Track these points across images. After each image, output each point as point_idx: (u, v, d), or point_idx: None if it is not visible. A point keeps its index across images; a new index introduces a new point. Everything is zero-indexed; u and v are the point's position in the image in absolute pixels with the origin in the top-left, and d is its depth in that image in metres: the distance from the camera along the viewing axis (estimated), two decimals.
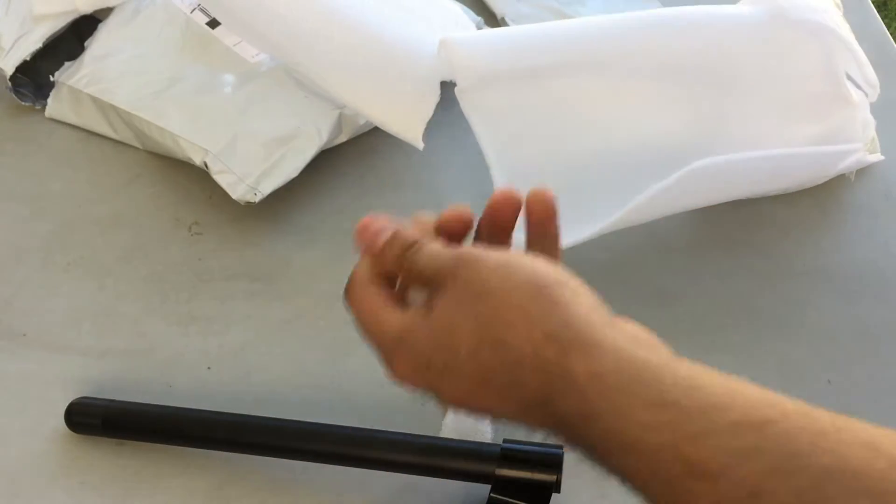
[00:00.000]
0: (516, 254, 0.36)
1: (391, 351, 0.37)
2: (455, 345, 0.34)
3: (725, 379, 0.30)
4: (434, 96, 0.64)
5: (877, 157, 0.68)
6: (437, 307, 0.35)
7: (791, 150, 0.64)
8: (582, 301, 0.34)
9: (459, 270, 0.35)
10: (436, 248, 0.37)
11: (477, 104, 0.62)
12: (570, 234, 0.56)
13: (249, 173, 0.63)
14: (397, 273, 0.39)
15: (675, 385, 0.30)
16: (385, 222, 0.40)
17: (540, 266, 0.35)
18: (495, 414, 0.35)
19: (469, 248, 0.37)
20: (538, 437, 0.50)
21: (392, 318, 0.37)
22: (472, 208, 0.41)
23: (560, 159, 0.63)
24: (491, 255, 0.35)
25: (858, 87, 0.66)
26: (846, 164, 0.66)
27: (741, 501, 0.27)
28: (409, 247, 0.38)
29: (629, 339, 0.33)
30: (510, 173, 0.61)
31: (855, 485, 0.26)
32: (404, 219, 0.41)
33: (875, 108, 0.67)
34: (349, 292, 0.40)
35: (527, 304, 0.33)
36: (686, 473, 0.29)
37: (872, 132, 0.68)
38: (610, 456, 0.32)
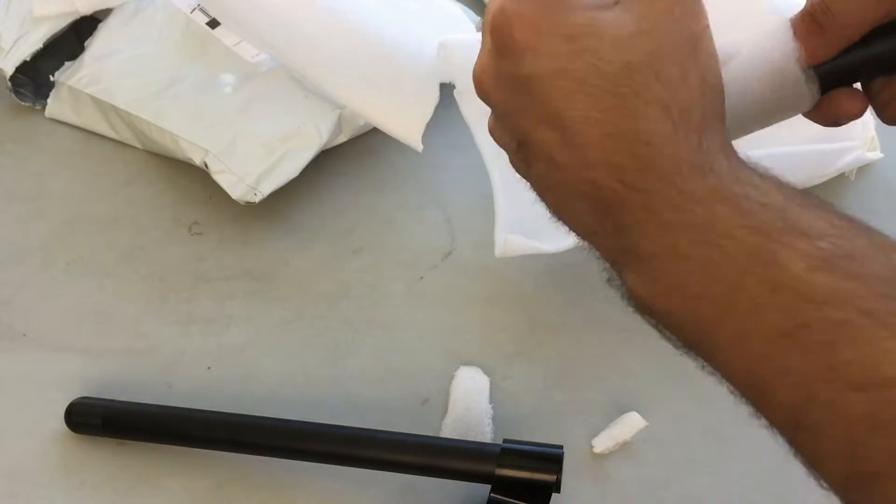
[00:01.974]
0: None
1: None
2: (623, 42, 0.30)
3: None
4: (433, 98, 0.64)
5: (876, 154, 0.68)
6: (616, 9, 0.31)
7: (789, 147, 0.64)
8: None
9: None
10: None
11: (476, 106, 0.62)
12: (570, 238, 0.56)
13: (249, 173, 0.63)
14: None
15: (787, 185, 0.30)
16: None
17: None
18: (583, 116, 0.31)
19: None
20: (539, 437, 0.51)
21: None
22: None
23: None
24: None
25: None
26: (845, 163, 0.66)
27: (835, 258, 0.27)
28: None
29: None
30: (508, 175, 0.61)
31: None
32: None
33: None
34: None
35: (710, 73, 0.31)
36: (788, 230, 0.28)
37: (872, 131, 0.68)
38: (697, 202, 0.29)
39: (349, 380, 0.59)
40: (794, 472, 0.54)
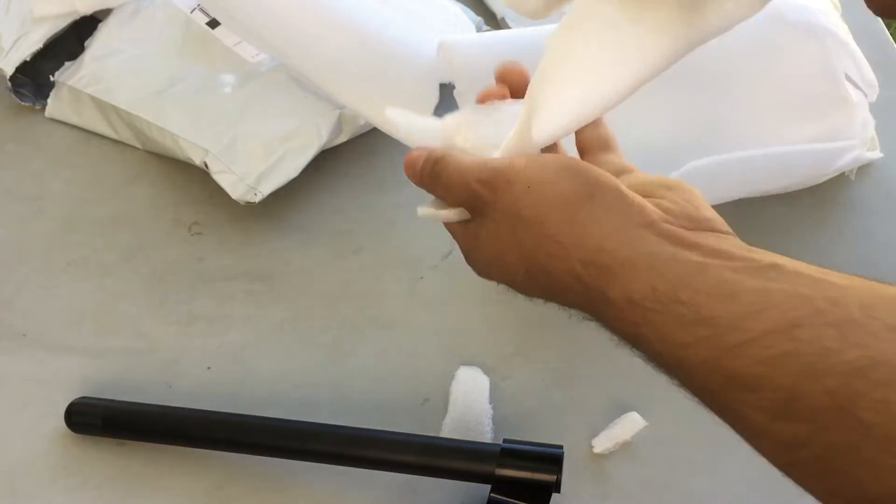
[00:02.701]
0: (549, 163, 0.36)
1: (466, 257, 0.41)
2: (509, 270, 0.37)
3: (761, 278, 0.31)
4: (433, 98, 0.64)
5: (876, 153, 0.68)
6: (481, 235, 0.38)
7: (788, 147, 0.64)
8: (613, 217, 0.34)
9: (495, 196, 0.37)
10: (460, 160, 0.39)
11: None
12: None
13: (249, 173, 0.63)
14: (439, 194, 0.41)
15: (709, 297, 0.31)
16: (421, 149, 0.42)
17: (568, 179, 0.35)
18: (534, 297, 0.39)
19: (496, 162, 0.38)
20: (539, 437, 0.51)
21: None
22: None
23: None
24: (519, 173, 0.36)
25: (857, 87, 0.66)
26: (845, 162, 0.66)
27: (782, 406, 0.28)
28: (437, 161, 0.40)
29: (662, 243, 0.33)
30: None
31: (880, 376, 0.27)
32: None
33: (875, 108, 0.67)
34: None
35: (561, 232, 0.34)
36: (728, 385, 0.30)
37: (872, 131, 0.68)
38: (661, 368, 0.33)
39: (349, 380, 0.59)
40: None
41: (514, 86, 0.42)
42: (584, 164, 0.36)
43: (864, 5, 0.37)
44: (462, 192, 0.38)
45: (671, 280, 0.32)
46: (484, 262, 0.40)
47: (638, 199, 0.35)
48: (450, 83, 0.64)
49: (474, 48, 0.63)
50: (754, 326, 0.29)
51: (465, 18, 0.75)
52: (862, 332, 0.28)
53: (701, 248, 0.33)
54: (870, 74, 0.66)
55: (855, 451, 0.27)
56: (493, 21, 0.80)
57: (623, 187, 0.35)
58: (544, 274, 0.35)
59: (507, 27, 0.79)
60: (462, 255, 0.42)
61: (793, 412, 0.28)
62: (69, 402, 0.56)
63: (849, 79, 0.65)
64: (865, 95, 0.66)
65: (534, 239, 0.35)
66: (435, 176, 0.40)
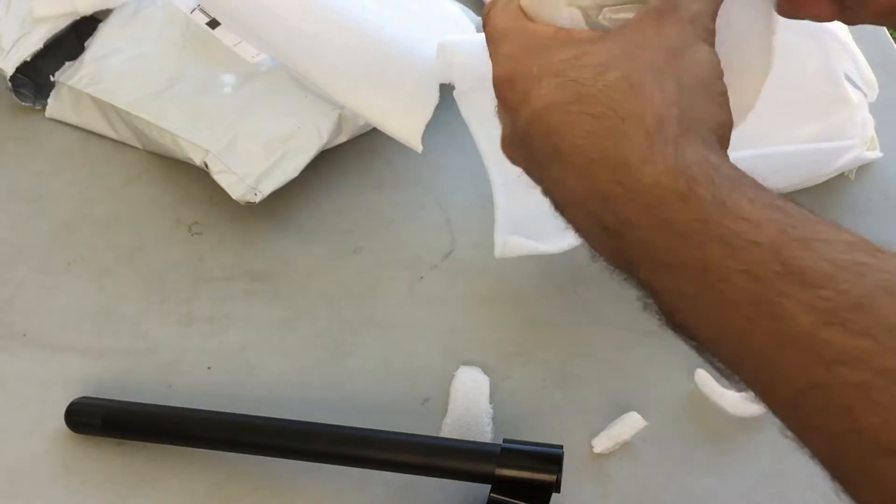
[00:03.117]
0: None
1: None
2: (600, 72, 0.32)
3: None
4: (433, 98, 0.64)
5: (875, 153, 0.68)
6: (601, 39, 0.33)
7: (787, 147, 0.64)
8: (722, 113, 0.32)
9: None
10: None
11: (475, 107, 0.62)
12: (568, 238, 0.56)
13: (249, 173, 0.63)
14: None
15: (780, 204, 0.28)
16: None
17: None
18: (569, 115, 0.32)
19: None
20: (539, 437, 0.51)
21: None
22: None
23: None
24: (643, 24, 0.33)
25: (857, 87, 0.66)
26: (844, 162, 0.66)
27: (844, 312, 0.25)
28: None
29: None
30: (508, 176, 0.61)
31: None
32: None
33: (875, 108, 0.67)
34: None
35: (690, 84, 0.32)
36: (782, 275, 0.26)
37: (871, 131, 0.68)
38: (681, 236, 0.28)
39: (349, 380, 0.59)
40: (794, 472, 0.54)
41: None
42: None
43: None
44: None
45: (743, 172, 0.29)
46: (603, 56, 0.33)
47: None
48: (450, 83, 0.63)
49: (474, 48, 0.63)
50: (833, 233, 0.27)
51: (465, 19, 0.75)
52: None
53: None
54: (869, 74, 0.66)
55: None
56: None
57: None
58: (628, 87, 0.31)
59: None
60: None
61: (853, 323, 0.25)
62: (69, 402, 0.56)
63: (848, 79, 0.65)
64: (865, 95, 0.66)
65: (661, 60, 0.32)
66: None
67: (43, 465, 0.54)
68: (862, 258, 0.26)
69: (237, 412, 0.54)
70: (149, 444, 0.55)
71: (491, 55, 0.36)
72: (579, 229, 0.33)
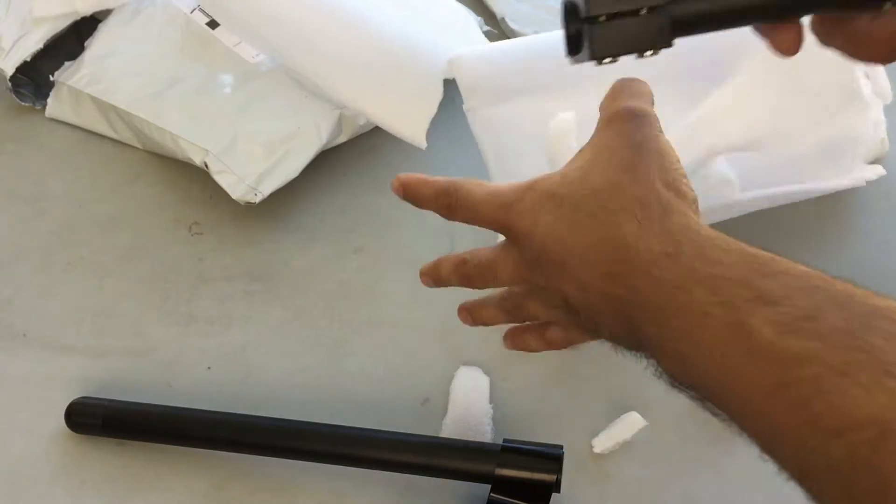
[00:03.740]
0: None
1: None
2: (584, 179, 0.38)
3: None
4: (437, 95, 0.64)
5: (875, 171, 0.66)
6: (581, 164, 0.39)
7: (792, 188, 0.63)
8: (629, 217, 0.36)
9: (510, 215, 0.39)
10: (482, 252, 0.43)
11: (485, 122, 0.62)
12: None
13: (249, 173, 0.63)
14: (467, 284, 0.45)
15: (750, 251, 0.34)
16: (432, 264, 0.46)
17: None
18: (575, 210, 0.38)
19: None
20: (539, 437, 0.51)
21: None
22: None
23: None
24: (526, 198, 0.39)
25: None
26: (849, 182, 0.65)
27: (797, 321, 0.30)
28: (460, 262, 0.44)
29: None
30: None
31: None
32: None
33: (886, 108, 0.67)
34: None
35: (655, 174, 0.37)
36: (751, 300, 0.31)
37: (883, 133, 0.67)
38: (669, 284, 0.34)
39: (349, 380, 0.59)
40: None
41: None
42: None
43: None
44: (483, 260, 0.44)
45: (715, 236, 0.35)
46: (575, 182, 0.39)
47: None
48: (453, 78, 0.63)
49: (484, 63, 0.63)
50: (791, 268, 0.32)
51: (470, 15, 0.75)
52: (889, 298, 0.30)
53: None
54: (884, 82, 0.65)
55: (857, 370, 0.28)
56: (493, 21, 0.80)
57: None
58: (612, 189, 0.37)
59: (508, 27, 0.79)
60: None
61: (805, 330, 0.29)
62: (69, 402, 0.56)
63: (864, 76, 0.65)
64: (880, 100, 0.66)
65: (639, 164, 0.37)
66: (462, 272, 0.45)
67: (43, 465, 0.54)
68: (815, 282, 0.31)
69: (237, 412, 0.54)
70: (149, 444, 0.55)
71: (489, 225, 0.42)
72: (598, 323, 0.38)
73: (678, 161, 0.39)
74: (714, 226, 0.36)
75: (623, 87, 0.41)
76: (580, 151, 0.40)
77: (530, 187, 0.39)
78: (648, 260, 0.34)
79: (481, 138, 0.62)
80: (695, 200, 0.38)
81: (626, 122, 0.39)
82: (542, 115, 0.60)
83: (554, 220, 0.38)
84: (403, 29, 0.67)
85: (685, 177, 0.38)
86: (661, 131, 0.39)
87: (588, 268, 0.36)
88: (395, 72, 0.65)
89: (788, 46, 0.37)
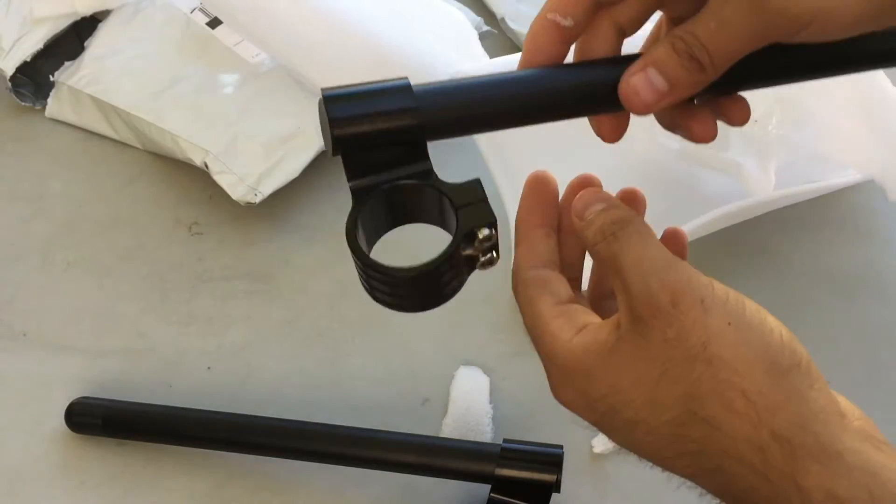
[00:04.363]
0: (750, 305, 0.29)
1: (562, 379, 0.33)
2: (653, 403, 0.29)
3: None
4: None
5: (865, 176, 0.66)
6: (636, 349, 0.30)
7: (801, 188, 0.63)
8: (817, 395, 0.28)
9: (679, 310, 0.29)
10: (652, 248, 0.30)
11: (490, 138, 0.62)
12: None
13: (250, 174, 0.63)
14: (580, 255, 0.35)
15: None
16: (599, 195, 0.33)
17: (776, 335, 0.29)
18: (667, 466, 0.32)
19: (691, 273, 0.30)
20: (539, 437, 0.51)
21: (564, 336, 0.32)
22: None
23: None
24: (718, 304, 0.29)
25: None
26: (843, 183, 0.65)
27: None
28: (620, 222, 0.31)
29: (861, 440, 0.28)
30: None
31: None
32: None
33: None
34: (516, 284, 0.36)
35: (758, 391, 0.28)
36: None
37: None
38: None
39: (349, 380, 0.59)
40: None
41: None
42: (786, 329, 0.30)
43: None
44: (634, 280, 0.30)
45: (880, 479, 0.27)
46: (605, 383, 0.31)
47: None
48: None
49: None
50: None
51: (467, 22, 0.75)
52: None
53: (882, 438, 0.28)
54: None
55: None
56: (493, 21, 0.80)
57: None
58: (709, 429, 0.28)
59: (508, 27, 0.79)
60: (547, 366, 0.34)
61: None
62: (69, 402, 0.56)
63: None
64: None
65: (715, 383, 0.28)
66: (608, 241, 0.31)
67: (43, 465, 0.54)
68: None
69: (237, 412, 0.54)
70: (149, 444, 0.55)
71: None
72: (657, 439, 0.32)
73: (779, 326, 0.29)
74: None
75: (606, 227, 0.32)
76: (609, 354, 0.30)
77: (578, 383, 0.32)
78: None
79: (489, 156, 0.62)
80: (809, 362, 0.29)
81: (666, 323, 0.29)
82: (546, 126, 0.60)
83: (626, 444, 0.32)
84: (401, 33, 0.67)
85: (788, 358, 0.29)
86: (734, 306, 0.29)
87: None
88: (392, 75, 0.65)
89: (607, 135, 0.35)
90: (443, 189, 0.32)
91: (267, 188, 0.63)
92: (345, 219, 0.32)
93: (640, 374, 0.29)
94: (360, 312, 0.62)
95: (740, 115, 0.35)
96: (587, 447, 0.55)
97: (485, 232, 0.32)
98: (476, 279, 0.62)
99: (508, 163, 0.63)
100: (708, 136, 0.34)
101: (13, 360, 0.59)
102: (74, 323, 0.61)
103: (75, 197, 0.68)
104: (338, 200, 0.68)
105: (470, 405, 0.56)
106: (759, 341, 0.29)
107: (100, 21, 0.74)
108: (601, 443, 0.55)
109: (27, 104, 0.73)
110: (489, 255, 0.33)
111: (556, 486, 0.47)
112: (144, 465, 0.54)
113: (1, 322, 0.61)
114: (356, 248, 0.31)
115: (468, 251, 0.32)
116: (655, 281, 0.29)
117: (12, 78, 0.71)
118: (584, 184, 0.35)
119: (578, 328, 0.32)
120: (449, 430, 0.55)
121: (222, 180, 0.63)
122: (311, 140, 0.65)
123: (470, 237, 0.32)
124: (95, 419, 0.55)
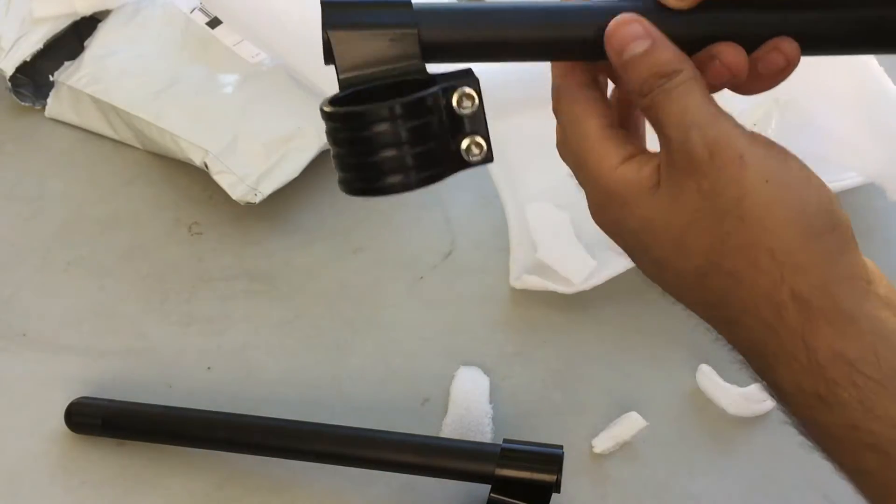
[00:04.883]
0: (794, 166, 0.29)
1: (600, 202, 0.32)
2: (680, 249, 0.30)
3: None
4: None
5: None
6: (672, 195, 0.30)
7: None
8: (847, 260, 0.29)
9: (715, 164, 0.28)
10: (696, 101, 0.29)
11: (493, 139, 0.62)
12: (580, 283, 0.57)
13: (249, 174, 0.63)
14: (631, 101, 0.33)
15: None
16: (646, 29, 0.30)
17: (815, 196, 0.29)
18: (688, 307, 0.32)
19: (732, 128, 0.29)
20: (539, 437, 0.51)
21: (610, 161, 0.31)
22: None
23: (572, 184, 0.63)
24: (757, 160, 0.28)
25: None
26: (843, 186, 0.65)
27: None
28: (668, 75, 0.29)
29: (883, 308, 0.28)
30: (522, 221, 0.61)
31: None
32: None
33: None
34: (558, 100, 0.33)
35: (786, 250, 0.28)
36: None
37: None
38: (836, 440, 0.28)
39: (349, 380, 0.59)
40: (794, 472, 0.54)
41: None
42: (829, 189, 0.30)
43: None
44: (675, 132, 0.29)
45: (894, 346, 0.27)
46: (643, 227, 0.31)
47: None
48: None
49: (483, 80, 0.63)
50: None
51: None
52: None
53: None
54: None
55: None
56: None
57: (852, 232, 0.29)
58: (731, 282, 0.29)
59: None
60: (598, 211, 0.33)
61: None
62: (69, 402, 0.56)
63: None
64: None
65: (743, 239, 0.28)
66: (650, 90, 0.29)
67: (43, 465, 0.54)
68: None
69: (237, 412, 0.54)
70: (149, 444, 0.55)
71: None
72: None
73: (821, 187, 0.29)
74: None
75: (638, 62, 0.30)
76: (655, 205, 0.30)
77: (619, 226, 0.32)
78: (796, 400, 0.29)
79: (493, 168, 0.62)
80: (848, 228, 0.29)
81: (710, 171, 0.29)
82: (545, 129, 0.60)
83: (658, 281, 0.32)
84: None
85: (831, 208, 0.29)
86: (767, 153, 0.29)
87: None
88: None
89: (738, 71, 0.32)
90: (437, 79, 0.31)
91: (267, 188, 0.63)
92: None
93: (672, 220, 0.30)
94: (360, 312, 0.62)
95: (773, 61, 0.31)
96: (587, 447, 0.55)
97: (465, 90, 0.31)
98: (476, 279, 0.62)
99: (508, 163, 0.63)
100: (740, 67, 0.31)
101: (13, 359, 0.59)
102: (74, 323, 0.61)
103: (75, 197, 0.68)
104: (338, 200, 0.68)
105: (470, 405, 0.56)
106: (796, 201, 0.28)
107: (100, 21, 0.74)
108: (601, 443, 0.55)
109: (27, 104, 0.73)
110: (478, 140, 0.32)
111: (556, 487, 0.47)
112: (144, 465, 0.54)
113: (1, 322, 0.61)
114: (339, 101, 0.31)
115: (450, 105, 0.31)
116: (696, 134, 0.29)
117: (12, 78, 0.71)
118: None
119: (625, 157, 0.31)
120: (449, 430, 0.55)
121: (222, 180, 0.63)
122: (311, 140, 0.65)
123: (448, 91, 0.31)
124: (95, 419, 0.55)
